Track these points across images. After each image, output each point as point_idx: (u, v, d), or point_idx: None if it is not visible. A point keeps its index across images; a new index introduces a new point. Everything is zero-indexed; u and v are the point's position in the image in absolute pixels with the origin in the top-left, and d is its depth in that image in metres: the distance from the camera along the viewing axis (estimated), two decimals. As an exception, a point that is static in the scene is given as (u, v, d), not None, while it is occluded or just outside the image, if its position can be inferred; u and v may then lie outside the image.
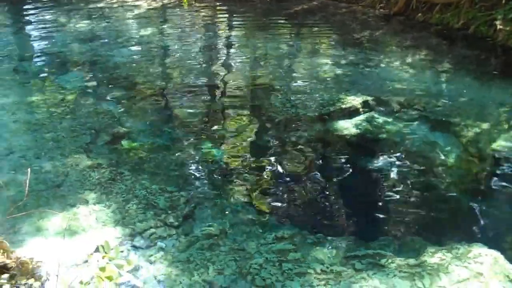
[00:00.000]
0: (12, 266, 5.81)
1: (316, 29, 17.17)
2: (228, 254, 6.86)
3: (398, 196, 8.32)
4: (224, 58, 14.97)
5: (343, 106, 11.34)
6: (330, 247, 7.09)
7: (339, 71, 13.24)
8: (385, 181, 8.76)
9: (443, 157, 9.38)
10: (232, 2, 19.57)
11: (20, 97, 11.61)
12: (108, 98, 11.77)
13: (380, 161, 9.37)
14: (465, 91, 12.15)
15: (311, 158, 9.60)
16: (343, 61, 13.94)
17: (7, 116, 10.64)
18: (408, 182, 8.69)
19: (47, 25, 17.53)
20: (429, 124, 10.63)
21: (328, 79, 12.82)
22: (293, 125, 10.61)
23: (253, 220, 7.65)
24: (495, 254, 6.81)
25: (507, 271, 6.49)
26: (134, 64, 13.85)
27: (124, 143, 9.74)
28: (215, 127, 10.57)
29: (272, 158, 9.45)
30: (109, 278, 3.62)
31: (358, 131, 10.33)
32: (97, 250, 6.71)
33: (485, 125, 10.46)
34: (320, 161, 9.52)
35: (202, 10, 19.52)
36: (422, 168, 9.08)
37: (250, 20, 18.36)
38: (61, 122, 10.47)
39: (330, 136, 10.27)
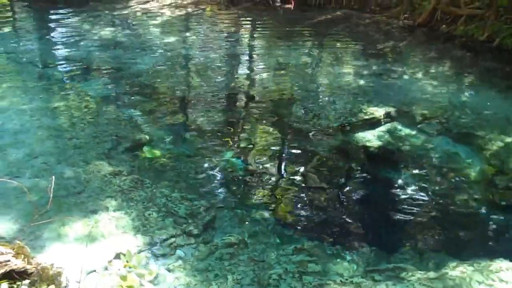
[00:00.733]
0: (32, 272, 5.82)
1: (339, 39, 17.13)
2: (247, 264, 6.83)
3: (419, 209, 8.24)
4: (246, 67, 14.98)
5: (365, 117, 11.28)
6: (350, 259, 7.03)
7: (361, 82, 13.18)
8: (406, 193, 8.68)
9: (465, 170, 9.28)
10: (256, 11, 19.59)
11: (43, 103, 11.70)
12: (130, 105, 11.82)
13: (402, 173, 9.30)
14: (489, 104, 12.03)
15: (332, 168, 9.56)
16: (365, 72, 13.88)
17: (31, 122, 10.72)
18: (430, 194, 8.60)
19: (71, 32, 17.68)
20: (452, 136, 10.54)
21: (350, 89, 12.77)
22: (315, 135, 10.57)
23: (273, 231, 7.62)
24: (518, 269, 6.71)
25: (530, 288, 6.38)
26: (157, 72, 13.91)
27: (145, 150, 9.76)
28: (236, 136, 10.56)
29: (293, 169, 9.42)
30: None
31: (380, 142, 10.27)
32: (117, 257, 6.73)
33: (508, 139, 10.34)
34: (341, 172, 9.47)
35: (225, 19, 19.56)
36: (444, 181, 8.99)
37: (273, 29, 18.36)
38: (83, 128, 10.53)
39: (351, 147, 10.22)
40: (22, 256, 5.87)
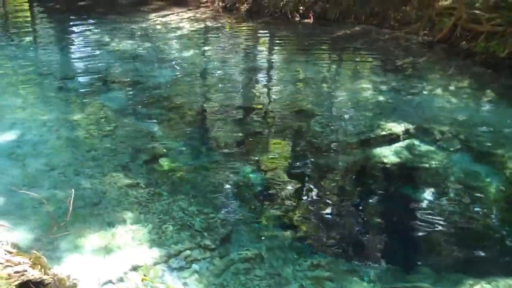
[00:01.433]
0: (49, 283, 5.81)
1: (358, 54, 17.10)
2: (263, 279, 6.79)
3: (437, 227, 8.15)
4: (264, 81, 14.98)
5: (384, 133, 11.22)
6: (366, 277, 6.97)
7: (380, 97, 13.12)
8: (424, 211, 8.59)
9: (484, 189, 9.18)
10: (274, 25, 19.63)
11: (62, 115, 11.77)
12: (148, 117, 11.86)
13: (420, 190, 9.22)
14: (509, 121, 11.91)
15: (350, 184, 9.51)
16: (384, 87, 13.82)
17: (50, 133, 10.79)
18: (448, 212, 8.51)
19: (91, 44, 17.82)
20: (471, 154, 10.44)
21: (368, 105, 12.71)
22: (332, 151, 10.53)
23: (289, 246, 7.58)
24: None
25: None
26: (175, 85, 13.95)
27: (163, 163, 9.77)
28: (254, 151, 10.54)
29: (310, 184, 9.38)
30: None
31: (398, 159, 10.19)
32: (133, 269, 6.71)
33: (529, 157, 10.23)
34: (359, 188, 9.40)
35: (244, 33, 19.61)
36: (462, 198, 8.89)
37: (292, 43, 18.38)
38: (101, 140, 10.57)
39: (369, 163, 10.16)
40: (39, 266, 5.86)
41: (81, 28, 20.37)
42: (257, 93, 13.82)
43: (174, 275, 6.79)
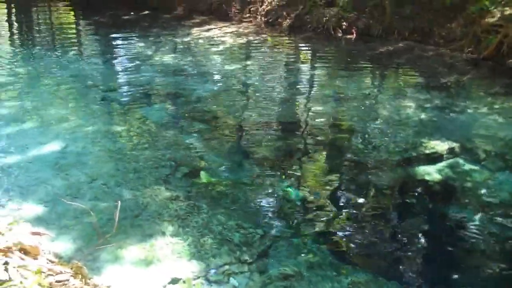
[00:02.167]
0: (88, 293, 5.85)
1: (400, 71, 16.96)
2: (302, 296, 6.72)
3: (479, 248, 7.96)
4: (305, 96, 14.95)
5: (426, 151, 11.06)
6: (407, 297, 6.84)
7: (423, 115, 12.96)
8: (466, 231, 8.40)
9: (531, 211, 8.95)
10: (316, 40, 19.62)
11: (105, 126, 11.94)
12: (189, 131, 11.93)
13: (463, 211, 9.02)
14: (557, 142, 11.64)
15: (391, 202, 9.38)
16: (427, 105, 13.64)
17: (92, 145, 10.94)
18: (491, 234, 8.31)
19: (134, 57, 18.06)
20: (517, 175, 10.21)
21: (411, 122, 12.56)
22: (374, 168, 10.41)
23: (329, 263, 7.49)
24: None
25: None
26: (216, 99, 14.02)
27: (203, 176, 9.79)
28: (294, 166, 10.50)
29: (350, 201, 9.28)
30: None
31: (441, 177, 10.02)
32: (172, 282, 6.73)
33: None
34: (400, 206, 9.26)
35: (286, 48, 19.65)
36: (507, 220, 8.67)
37: (334, 59, 18.33)
38: (143, 152, 10.67)
39: (411, 181, 10.01)
40: (80, 276, 5.91)
41: (125, 41, 20.69)
42: (298, 108, 13.80)
43: (213, 289, 6.77)
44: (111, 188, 9.15)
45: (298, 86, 15.80)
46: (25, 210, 8.40)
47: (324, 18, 20.34)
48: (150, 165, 10.10)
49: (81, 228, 7.88)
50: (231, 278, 7.00)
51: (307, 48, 19.83)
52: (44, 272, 5.27)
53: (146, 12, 24.13)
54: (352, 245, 8.01)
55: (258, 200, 9.13)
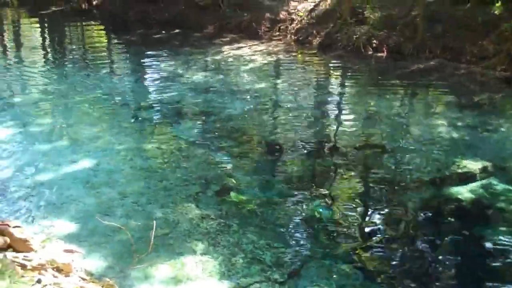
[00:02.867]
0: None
1: (432, 89, 16.80)
2: (333, 318, 6.64)
3: (513, 270, 7.82)
4: (335, 114, 14.89)
5: (459, 171, 10.90)
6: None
7: (455, 134, 12.80)
8: (500, 253, 8.24)
9: None
10: (347, 58, 19.57)
11: (136, 144, 12.03)
12: (220, 149, 11.95)
13: (497, 232, 8.86)
14: None
15: (423, 222, 9.27)
16: (459, 124, 13.47)
17: (124, 162, 11.03)
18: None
19: (165, 76, 18.20)
20: (553, 196, 10.00)
21: (443, 141, 12.41)
22: (405, 188, 10.29)
23: (360, 284, 7.40)
24: None
25: None
26: (246, 117, 14.04)
27: (233, 195, 9.78)
28: (324, 185, 10.44)
29: (382, 220, 9.18)
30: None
31: (474, 198, 9.86)
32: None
33: None
34: (432, 227, 9.13)
35: (316, 66, 19.64)
36: (544, 242, 8.50)
37: (364, 77, 18.25)
38: (173, 170, 10.72)
39: (443, 201, 9.88)
40: (111, 294, 5.94)
41: (155, 60, 20.89)
42: (328, 127, 13.74)
43: (243, 309, 6.74)
44: (142, 206, 9.20)
45: (328, 104, 15.76)
46: (57, 227, 8.48)
47: (355, 36, 20.29)
48: (181, 183, 10.14)
49: (112, 245, 7.93)
50: (261, 298, 6.96)
51: (337, 66, 19.79)
52: (76, 290, 5.31)
53: (177, 30, 24.35)
54: (383, 266, 7.92)
55: (289, 219, 9.09)
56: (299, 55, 20.86)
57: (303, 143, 12.40)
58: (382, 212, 9.48)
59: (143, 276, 7.21)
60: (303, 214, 9.25)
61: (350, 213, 9.34)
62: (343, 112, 15.13)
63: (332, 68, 19.68)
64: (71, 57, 22.43)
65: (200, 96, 15.77)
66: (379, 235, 8.69)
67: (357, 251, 8.19)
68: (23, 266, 5.28)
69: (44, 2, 31.20)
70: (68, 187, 9.96)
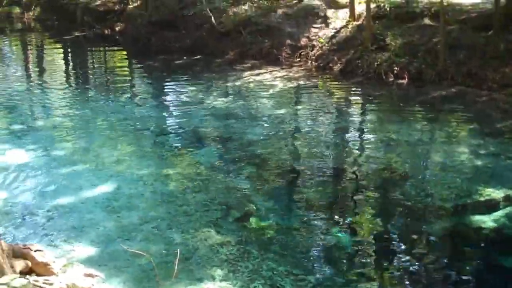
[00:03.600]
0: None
1: (453, 116, 16.68)
2: None
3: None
4: (355, 141, 14.85)
5: (481, 199, 10.77)
6: None
7: (477, 162, 12.66)
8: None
9: None
10: (368, 85, 19.54)
11: (157, 169, 12.08)
12: (240, 175, 11.95)
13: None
14: None
15: (444, 251, 9.16)
16: (482, 151, 13.33)
17: (144, 187, 11.08)
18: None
19: (186, 101, 18.31)
20: None
21: (465, 168, 12.27)
22: (427, 215, 10.19)
23: (381, 313, 7.32)
24: None
25: None
26: (266, 143, 14.03)
27: (253, 221, 9.76)
28: (344, 212, 10.38)
29: (402, 248, 9.10)
30: None
31: (497, 226, 9.72)
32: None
33: None
34: (454, 255, 9.03)
35: (336, 92, 19.64)
36: None
37: (385, 104, 18.20)
38: (194, 196, 10.74)
39: (465, 230, 9.76)
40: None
41: (177, 85, 21.05)
42: (348, 153, 13.68)
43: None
44: (162, 231, 9.21)
45: (349, 131, 15.72)
46: (78, 251, 8.52)
47: (375, 63, 20.26)
48: (201, 209, 10.14)
49: (132, 270, 7.94)
50: (281, 326, 6.90)
51: (358, 93, 19.77)
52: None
53: (198, 56, 24.53)
54: (405, 295, 7.83)
55: (309, 246, 9.05)
56: (320, 81, 20.88)
57: (323, 169, 12.37)
58: (403, 239, 9.39)
59: (162, 302, 7.19)
60: (323, 240, 9.20)
61: (370, 241, 9.28)
62: (364, 138, 15.08)
63: (352, 94, 19.66)
64: (93, 81, 22.70)
65: (220, 121, 15.83)
66: (400, 263, 8.61)
67: (378, 280, 8.11)
68: (44, 290, 5.29)
69: (67, 27, 31.67)
70: (89, 210, 10.02)
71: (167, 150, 13.66)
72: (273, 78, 20.90)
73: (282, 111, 17.06)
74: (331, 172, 12.31)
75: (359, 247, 9.03)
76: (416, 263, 8.61)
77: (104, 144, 13.81)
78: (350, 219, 10.06)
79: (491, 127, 15.39)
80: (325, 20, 23.94)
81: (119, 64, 26.68)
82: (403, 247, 9.14)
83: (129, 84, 22.22)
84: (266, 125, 15.58)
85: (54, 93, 19.57)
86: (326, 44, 22.59)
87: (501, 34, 19.24)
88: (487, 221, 9.88)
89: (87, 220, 9.62)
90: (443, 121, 16.49)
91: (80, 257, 8.18)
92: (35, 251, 6.00)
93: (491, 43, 19.02)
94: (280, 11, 25.00)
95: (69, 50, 29.55)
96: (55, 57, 28.34)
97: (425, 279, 8.21)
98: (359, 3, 23.14)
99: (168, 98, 19.62)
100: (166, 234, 9.10)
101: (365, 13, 21.77)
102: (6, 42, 30.19)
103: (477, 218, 10.02)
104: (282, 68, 22.26)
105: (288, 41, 23.72)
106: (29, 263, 5.81)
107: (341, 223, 9.84)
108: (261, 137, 14.38)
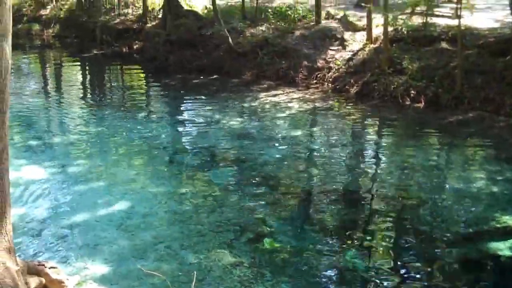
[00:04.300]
0: None
1: (470, 141, 16.57)
2: None
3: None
4: (370, 165, 14.78)
5: (498, 226, 10.66)
6: None
7: (494, 188, 12.54)
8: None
9: None
10: (384, 108, 19.48)
11: (172, 188, 12.10)
12: (254, 196, 11.92)
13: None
14: None
15: (460, 277, 9.07)
16: (499, 177, 13.21)
17: (158, 206, 11.09)
18: None
19: (202, 120, 18.35)
20: None
21: (482, 195, 12.16)
22: (442, 241, 10.09)
23: None
24: None
25: None
26: (281, 164, 14.01)
27: (267, 243, 9.72)
28: (359, 235, 10.32)
29: (417, 274, 9.02)
30: None
31: (514, 254, 9.63)
32: None
33: None
34: (470, 282, 8.92)
35: (352, 115, 19.58)
36: None
37: (401, 127, 18.12)
38: (208, 216, 10.73)
39: (481, 257, 9.66)
40: None
41: (193, 105, 21.13)
42: (363, 177, 13.61)
43: None
44: (175, 251, 9.20)
45: (365, 154, 15.66)
46: (91, 269, 8.52)
47: (392, 86, 20.21)
48: (215, 229, 10.13)
49: (144, 290, 7.92)
50: None
51: (374, 116, 19.71)
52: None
53: (215, 76, 24.61)
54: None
55: (322, 269, 9.01)
56: (336, 104, 20.86)
57: (338, 192, 12.30)
58: (418, 265, 9.32)
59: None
60: (337, 264, 9.14)
61: (385, 265, 9.21)
62: (379, 162, 15.00)
63: (368, 117, 19.60)
64: (110, 99, 22.85)
65: (235, 142, 15.84)
66: (415, 289, 8.53)
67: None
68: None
69: (86, 45, 31.97)
70: (103, 228, 10.04)
71: (182, 169, 13.68)
72: (289, 100, 20.91)
73: (298, 132, 17.05)
74: (345, 195, 12.24)
75: (374, 271, 8.95)
76: (431, 289, 8.54)
77: (119, 162, 13.87)
78: (365, 243, 9.99)
79: (508, 152, 15.27)
80: (342, 43, 23.96)
81: (136, 82, 26.83)
82: (418, 272, 9.05)
83: (145, 102, 22.34)
84: (281, 146, 15.57)
85: (71, 110, 19.71)
86: (343, 67, 22.59)
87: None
88: (503, 248, 9.77)
89: (101, 238, 9.64)
90: (460, 146, 16.38)
91: (93, 275, 8.18)
92: (49, 268, 6.01)
93: (509, 68, 18.89)
94: (297, 33, 25.07)
95: (87, 67, 29.80)
96: (73, 74, 28.58)
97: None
98: (377, 26, 23.14)
99: (184, 117, 19.69)
100: (179, 254, 9.09)
101: (382, 36, 21.77)
102: (25, 59, 30.48)
103: (493, 245, 9.92)
104: (299, 90, 22.27)
105: (305, 63, 23.74)
106: (43, 280, 5.83)
107: (355, 247, 9.77)
108: (276, 159, 14.36)
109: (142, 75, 27.77)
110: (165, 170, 13.44)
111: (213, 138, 16.14)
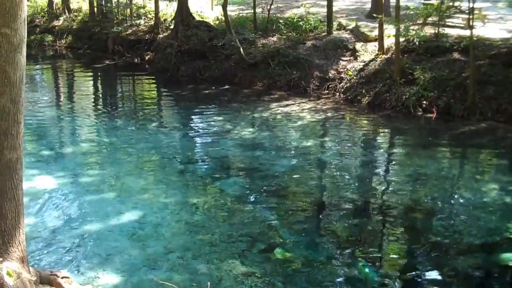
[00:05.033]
0: None
1: (483, 152, 16.51)
2: None
3: None
4: (382, 175, 14.74)
5: (510, 236, 10.60)
6: None
7: (507, 199, 12.47)
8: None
9: None
10: (396, 118, 19.45)
11: (183, 198, 12.11)
12: (266, 206, 11.92)
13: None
14: None
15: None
16: (511, 188, 13.15)
17: (170, 216, 11.10)
18: None
19: (213, 130, 18.38)
20: None
21: (494, 205, 12.10)
22: (454, 251, 10.04)
23: None
24: None
25: None
26: (293, 174, 14.00)
27: (278, 253, 9.70)
28: (370, 246, 10.28)
29: (429, 284, 8.96)
30: None
31: (527, 265, 9.56)
32: None
33: None
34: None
35: (364, 125, 19.58)
36: None
37: (413, 138, 18.06)
38: (219, 226, 10.73)
39: (493, 267, 9.63)
40: None
41: (204, 115, 21.16)
42: (375, 187, 13.58)
43: None
44: (187, 261, 9.20)
45: (376, 164, 15.61)
46: (103, 278, 8.54)
47: (404, 97, 20.17)
48: (226, 239, 10.13)
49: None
50: None
51: (385, 126, 19.67)
52: None
53: (227, 87, 24.67)
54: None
55: (334, 279, 8.98)
56: (348, 114, 20.84)
57: (349, 203, 12.27)
58: (429, 275, 9.28)
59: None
60: (349, 274, 9.13)
61: (397, 276, 9.18)
62: (391, 172, 14.95)
63: (380, 127, 19.57)
64: (122, 109, 22.93)
65: (247, 152, 15.86)
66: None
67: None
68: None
69: (98, 55, 32.15)
70: (115, 238, 10.06)
71: (194, 179, 13.70)
72: (300, 110, 20.91)
73: (309, 143, 17.05)
74: (357, 205, 12.21)
75: (386, 282, 8.91)
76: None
77: (131, 172, 13.91)
78: (377, 253, 9.96)
79: (521, 163, 15.20)
80: (354, 53, 23.95)
81: (148, 93, 26.95)
82: (430, 283, 9.01)
83: (157, 113, 22.41)
84: (292, 156, 15.57)
85: (83, 120, 19.80)
86: (355, 77, 22.58)
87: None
88: (516, 259, 9.72)
89: (113, 248, 9.66)
90: (472, 156, 16.33)
91: (105, 285, 8.21)
92: (62, 277, 6.03)
93: (521, 79, 18.84)
94: (309, 43, 25.11)
95: (99, 78, 29.96)
96: (86, 84, 28.74)
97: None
98: (388, 36, 23.13)
99: (196, 127, 19.72)
100: (191, 264, 9.09)
101: (394, 47, 21.76)
102: (38, 69, 30.71)
103: (506, 255, 9.86)
104: (310, 100, 22.27)
105: (317, 73, 23.76)
106: (55, 290, 5.84)
107: (367, 257, 9.73)
108: (288, 169, 14.36)
109: (154, 85, 27.88)
110: (177, 180, 13.46)
111: (224, 148, 16.16)
